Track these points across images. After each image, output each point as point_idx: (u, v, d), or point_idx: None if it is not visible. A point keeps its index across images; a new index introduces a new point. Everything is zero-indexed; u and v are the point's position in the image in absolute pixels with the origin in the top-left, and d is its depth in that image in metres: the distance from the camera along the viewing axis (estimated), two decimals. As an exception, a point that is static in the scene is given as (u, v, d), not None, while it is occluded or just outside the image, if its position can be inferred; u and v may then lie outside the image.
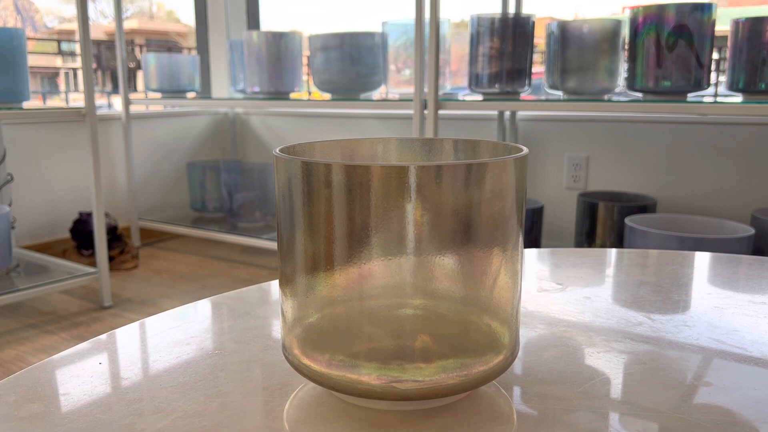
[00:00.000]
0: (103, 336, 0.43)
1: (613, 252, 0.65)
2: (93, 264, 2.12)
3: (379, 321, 0.32)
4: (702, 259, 0.63)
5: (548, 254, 0.64)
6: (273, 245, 2.31)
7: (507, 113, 2.21)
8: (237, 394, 0.35)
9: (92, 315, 1.94)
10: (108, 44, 3.92)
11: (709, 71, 1.52)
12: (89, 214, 2.34)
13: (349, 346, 0.32)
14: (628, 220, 1.68)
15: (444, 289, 0.31)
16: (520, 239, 0.33)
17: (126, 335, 0.44)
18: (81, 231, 2.37)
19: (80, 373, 0.38)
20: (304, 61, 2.33)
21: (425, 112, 1.82)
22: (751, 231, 1.56)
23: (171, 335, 0.43)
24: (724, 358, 0.40)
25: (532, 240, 2.00)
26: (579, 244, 1.99)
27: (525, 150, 0.33)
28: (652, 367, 0.38)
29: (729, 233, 1.64)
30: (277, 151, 0.33)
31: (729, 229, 1.66)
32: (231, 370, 0.38)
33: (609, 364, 0.39)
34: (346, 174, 0.29)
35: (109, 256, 2.32)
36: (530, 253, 0.64)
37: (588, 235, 1.94)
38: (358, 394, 0.31)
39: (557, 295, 0.51)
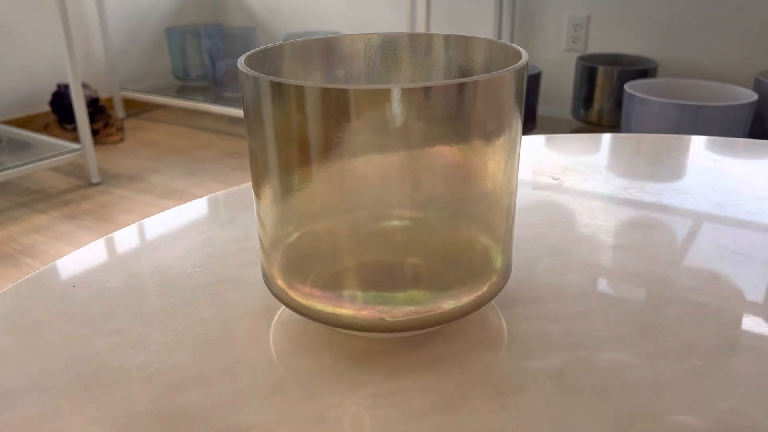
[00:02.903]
0: (72, 255, 0.41)
1: (607, 137, 0.62)
2: (77, 139, 2.07)
3: (365, 243, 0.29)
4: (698, 142, 0.60)
5: (544, 142, 0.60)
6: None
7: (505, -32, 2.06)
8: (219, 321, 0.34)
9: (81, 192, 1.92)
10: None
11: None
12: (68, 86, 2.25)
13: (335, 275, 0.30)
14: (627, 87, 1.62)
15: (433, 196, 0.29)
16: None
17: (97, 253, 0.42)
18: (61, 104, 2.29)
19: (51, 299, 0.36)
20: None
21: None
22: (755, 96, 1.51)
23: (150, 254, 0.41)
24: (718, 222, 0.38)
25: (529, 107, 1.95)
26: (576, 110, 1.94)
27: (525, 57, 0.29)
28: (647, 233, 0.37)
29: (732, 99, 1.59)
30: (242, 64, 0.29)
31: (732, 95, 1.61)
32: (210, 292, 0.36)
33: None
34: (321, 98, 0.25)
35: (93, 129, 2.26)
36: (525, 141, 0.60)
37: (585, 101, 1.89)
38: (344, 327, 0.30)
39: (553, 190, 0.49)
